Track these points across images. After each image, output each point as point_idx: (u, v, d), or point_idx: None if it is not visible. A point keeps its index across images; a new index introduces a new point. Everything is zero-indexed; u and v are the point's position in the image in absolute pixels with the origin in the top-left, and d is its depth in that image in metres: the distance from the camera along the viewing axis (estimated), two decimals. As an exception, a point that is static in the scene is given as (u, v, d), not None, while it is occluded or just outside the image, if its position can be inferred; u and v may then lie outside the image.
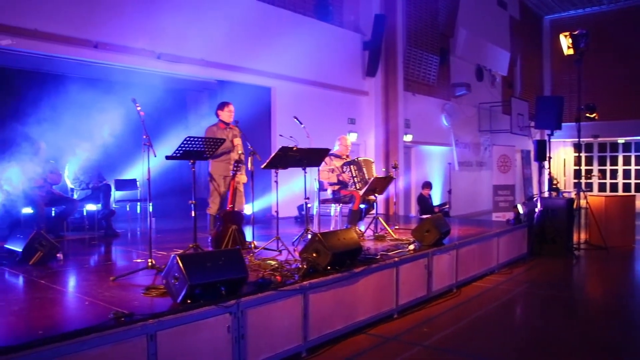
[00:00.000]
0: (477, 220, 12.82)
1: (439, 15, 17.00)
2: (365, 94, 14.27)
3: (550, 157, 11.46)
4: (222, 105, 6.93)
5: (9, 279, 4.96)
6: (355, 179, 7.63)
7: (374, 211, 7.93)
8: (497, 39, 20.08)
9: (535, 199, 10.43)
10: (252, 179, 6.76)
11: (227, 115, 6.88)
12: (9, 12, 7.74)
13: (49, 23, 8.13)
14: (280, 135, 7.51)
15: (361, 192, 7.46)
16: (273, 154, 6.20)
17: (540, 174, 12.35)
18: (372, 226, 7.77)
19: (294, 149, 6.25)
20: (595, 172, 24.20)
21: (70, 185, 8.29)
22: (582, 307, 6.71)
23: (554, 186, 18.07)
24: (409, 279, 6.15)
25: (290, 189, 9.37)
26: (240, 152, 6.72)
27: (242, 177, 6.87)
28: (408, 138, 15.20)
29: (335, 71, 13.25)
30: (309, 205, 6.93)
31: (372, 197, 7.70)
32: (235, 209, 6.46)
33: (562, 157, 24.44)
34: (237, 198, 6.82)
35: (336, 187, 7.75)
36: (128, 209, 9.20)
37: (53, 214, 7.77)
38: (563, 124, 11.20)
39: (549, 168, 12.00)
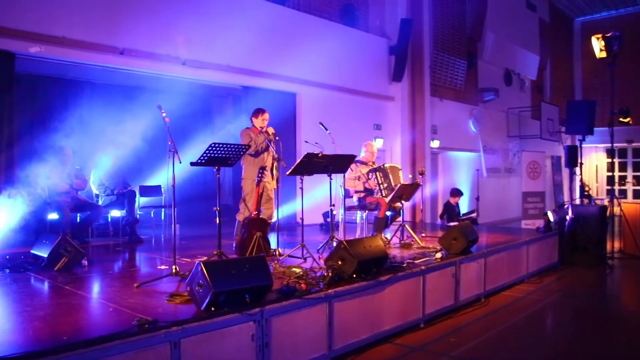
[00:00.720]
0: (506, 227, 12.65)
1: (466, 19, 16.89)
2: (392, 99, 14.24)
3: (581, 163, 11.26)
4: (257, 113, 6.95)
5: (35, 284, 5.03)
6: (381, 185, 7.60)
7: (400, 218, 7.87)
8: (526, 42, 19.86)
9: (566, 206, 10.25)
10: (276, 185, 6.79)
11: (261, 122, 6.92)
12: (38, 20, 7.91)
13: (76, 30, 8.28)
14: (306, 142, 7.51)
15: (387, 199, 7.42)
16: (298, 161, 6.19)
17: (572, 180, 12.14)
18: (398, 234, 7.72)
19: (320, 155, 6.24)
20: (629, 179, 23.70)
21: (95, 191, 8.40)
22: (616, 318, 6.55)
23: (586, 193, 17.70)
24: (436, 288, 6.08)
25: (315, 196, 9.34)
26: (274, 155, 6.65)
27: (273, 183, 6.85)
28: (435, 144, 15.09)
29: (360, 76, 13.24)
30: (334, 213, 6.89)
31: (398, 204, 7.66)
32: (262, 217, 6.45)
33: (594, 163, 24.00)
34: (267, 204, 6.82)
35: (362, 194, 7.73)
36: (152, 215, 9.28)
37: (78, 220, 7.87)
38: (595, 128, 11.00)
39: (581, 174, 11.78)
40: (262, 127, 6.89)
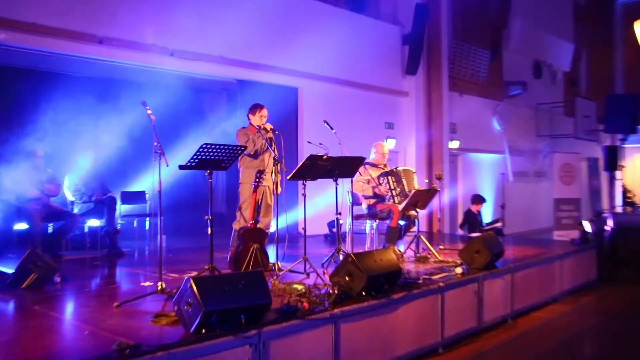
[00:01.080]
0: (535, 239, 12.59)
1: (489, 3, 16.86)
2: (405, 94, 14.24)
3: (623, 166, 11.20)
4: (255, 109, 6.96)
5: None
6: (393, 191, 7.58)
7: (415, 228, 7.81)
8: (558, 29, 19.80)
9: (605, 215, 10.19)
10: (275, 192, 6.75)
11: (259, 119, 6.92)
12: (5, 4, 7.90)
13: (49, 16, 8.28)
14: (309, 142, 7.48)
15: (400, 207, 7.40)
16: (300, 164, 6.19)
17: (612, 185, 12.08)
18: (413, 246, 7.66)
19: (324, 157, 6.21)
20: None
21: (70, 197, 8.38)
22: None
23: (629, 200, 17.62)
24: (456, 308, 6.03)
25: (319, 204, 9.28)
26: (276, 155, 6.57)
27: (277, 188, 6.64)
28: (454, 145, 15.05)
29: (371, 69, 13.24)
30: (340, 222, 6.80)
31: (413, 212, 7.62)
32: (260, 226, 6.44)
33: (638, 165, 23.86)
34: (264, 211, 6.87)
35: (372, 201, 7.71)
36: (136, 224, 9.27)
37: (50, 231, 7.84)
38: (639, 126, 10.94)
39: (622, 179, 11.73)
40: (260, 126, 6.87)
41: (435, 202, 8.92)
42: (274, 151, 6.69)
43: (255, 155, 6.85)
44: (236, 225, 6.86)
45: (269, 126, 6.86)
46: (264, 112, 6.96)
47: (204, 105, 12.47)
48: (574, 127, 18.59)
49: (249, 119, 7.02)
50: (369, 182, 7.70)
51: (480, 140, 16.47)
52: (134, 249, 8.81)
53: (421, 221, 8.65)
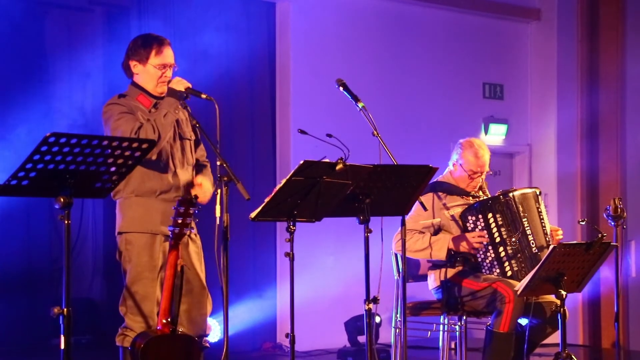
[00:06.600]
0: None
1: None
2: (533, 15, 8.49)
3: None
4: (147, 48, 4.05)
5: None
6: (500, 247, 4.65)
7: (556, 333, 4.60)
8: None
9: None
10: (223, 246, 3.84)
11: (154, 75, 4.03)
12: None
13: None
14: (301, 132, 4.22)
15: (520, 287, 4.29)
16: (282, 183, 3.87)
17: None
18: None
19: (339, 166, 3.86)
20: None
21: None
22: None
23: None
24: None
25: (327, 277, 6.33)
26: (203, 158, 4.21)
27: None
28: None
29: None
30: (377, 320, 5.11)
31: (550, 297, 4.57)
32: (185, 329, 3.94)
33: None
34: (197, 297, 4.14)
35: (449, 272, 4.82)
36: None
37: None
38: None
39: None
40: (181, 93, 3.96)
41: (605, 272, 5.84)
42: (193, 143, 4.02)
43: (153, 163, 4.00)
44: (123, 342, 3.94)
45: (180, 85, 3.95)
46: (166, 54, 4.04)
47: (52, 34, 7.20)
48: None
49: (131, 72, 4.08)
50: (440, 228, 4.79)
51: None
52: None
53: (572, 319, 5.59)
